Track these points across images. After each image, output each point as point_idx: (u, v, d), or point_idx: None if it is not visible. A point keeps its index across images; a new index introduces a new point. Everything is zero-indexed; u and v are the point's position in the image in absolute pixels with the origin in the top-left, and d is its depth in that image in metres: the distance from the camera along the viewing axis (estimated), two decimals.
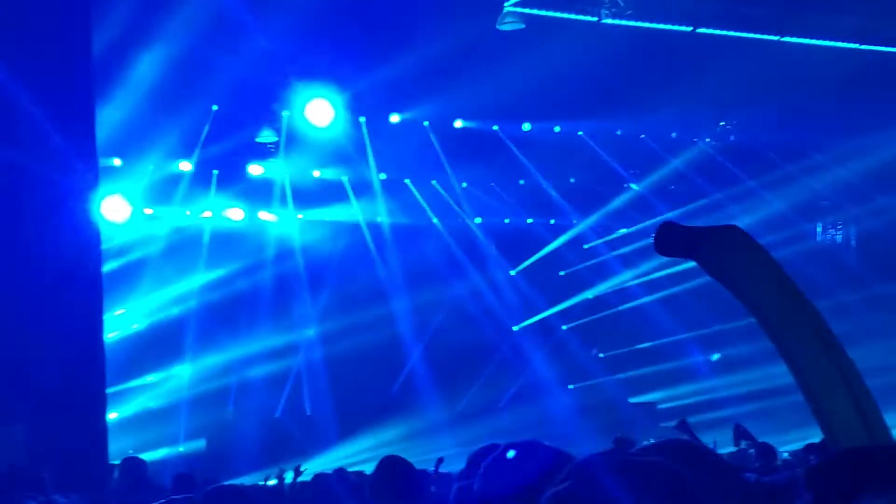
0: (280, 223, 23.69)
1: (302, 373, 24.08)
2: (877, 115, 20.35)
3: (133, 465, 9.38)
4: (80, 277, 8.69)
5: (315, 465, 20.90)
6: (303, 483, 10.44)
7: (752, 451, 12.49)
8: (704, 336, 25.48)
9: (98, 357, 8.70)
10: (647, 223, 25.58)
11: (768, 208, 23.54)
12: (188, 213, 22.41)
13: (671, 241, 4.35)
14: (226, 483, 12.56)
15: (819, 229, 26.53)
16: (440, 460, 13.67)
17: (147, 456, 20.15)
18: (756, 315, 4.42)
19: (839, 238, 26.60)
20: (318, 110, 19.21)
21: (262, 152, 21.27)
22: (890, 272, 23.18)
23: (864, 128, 20.97)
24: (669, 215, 25.00)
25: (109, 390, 14.46)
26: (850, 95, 19.80)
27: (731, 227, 4.37)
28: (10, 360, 8.21)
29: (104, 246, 16.00)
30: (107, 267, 17.03)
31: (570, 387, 26.52)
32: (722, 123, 22.72)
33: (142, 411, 22.27)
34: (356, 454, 22.47)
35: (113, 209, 19.69)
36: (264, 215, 23.32)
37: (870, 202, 24.18)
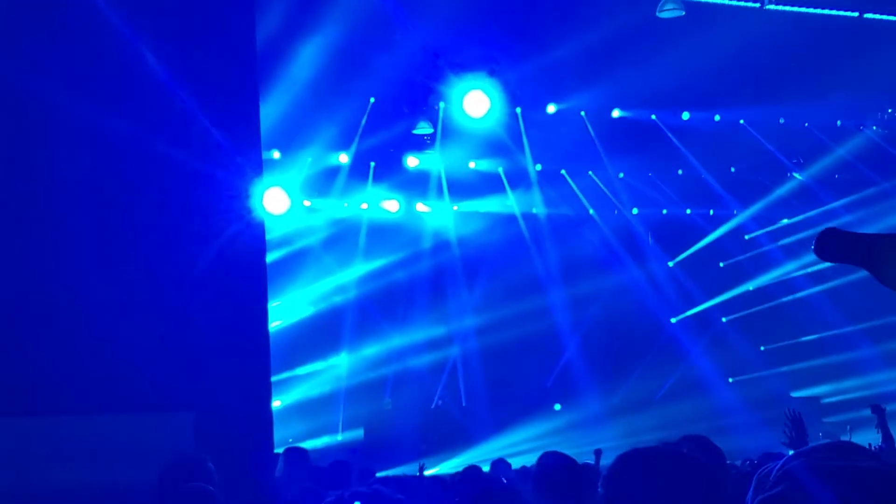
0: (436, 215, 23.81)
1: (458, 364, 24.20)
2: None
3: (296, 454, 9.53)
4: (246, 269, 8.84)
5: (471, 457, 21.04)
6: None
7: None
8: (871, 328, 24.71)
9: (263, 346, 8.84)
10: (811, 213, 24.94)
11: None
12: (346, 204, 22.69)
13: (835, 247, 4.17)
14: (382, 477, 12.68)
15: None
16: (599, 452, 13.53)
17: (307, 445, 20.72)
18: None
19: None
20: (475, 101, 19.20)
21: (419, 144, 21.38)
22: None
23: None
24: (835, 204, 24.36)
25: (273, 379, 14.77)
26: None
27: None
28: (180, 349, 8.40)
29: (267, 237, 16.40)
30: (268, 258, 17.41)
31: (731, 380, 26.06)
32: (889, 110, 21.94)
33: (302, 400, 22.69)
34: (512, 446, 22.49)
35: (273, 201, 20.07)
36: (421, 207, 23.47)
37: None
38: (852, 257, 4.21)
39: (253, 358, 8.71)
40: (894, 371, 24.15)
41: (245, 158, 9.11)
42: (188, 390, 8.39)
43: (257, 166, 9.33)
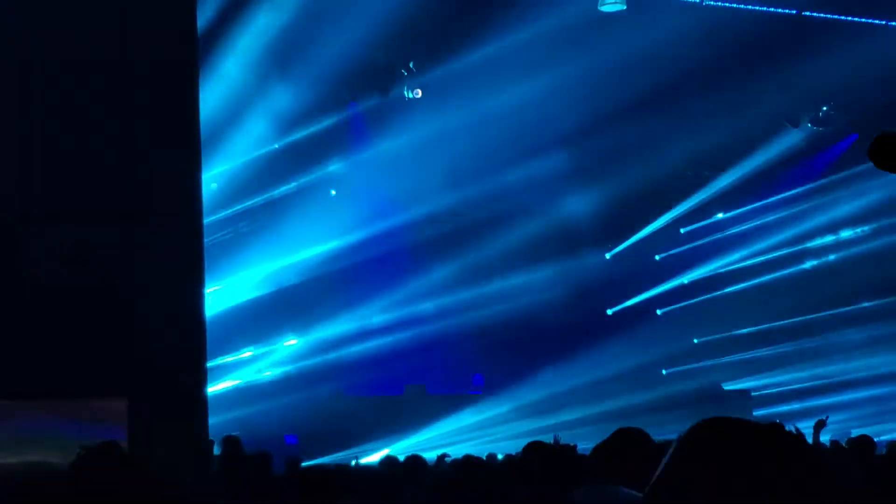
0: (373, 199, 23.70)
1: (395, 354, 24.12)
2: None
3: (231, 443, 9.48)
4: (182, 252, 8.78)
5: (406, 446, 21.08)
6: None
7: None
8: (801, 323, 25.11)
9: (199, 332, 8.77)
10: (747, 208, 25.26)
11: (872, 195, 23.07)
12: (287, 189, 22.49)
13: (890, 155, 4.00)
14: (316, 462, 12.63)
15: None
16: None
17: (251, 433, 20.61)
18: None
19: None
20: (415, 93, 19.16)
21: (359, 132, 21.28)
22: None
23: None
24: (770, 200, 24.70)
25: (210, 363, 14.66)
26: None
27: None
28: (114, 335, 8.32)
29: (208, 218, 16.26)
30: (207, 239, 17.25)
31: (665, 372, 26.32)
32: (825, 108, 22.24)
33: (246, 385, 22.55)
34: (445, 436, 22.57)
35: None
36: (361, 192, 23.34)
37: None
38: None
39: (188, 343, 8.66)
40: (823, 366, 24.59)
41: (187, 145, 9.04)
42: (122, 376, 8.33)
43: (196, 145, 9.25)
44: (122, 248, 8.47)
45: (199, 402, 8.77)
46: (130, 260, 8.42)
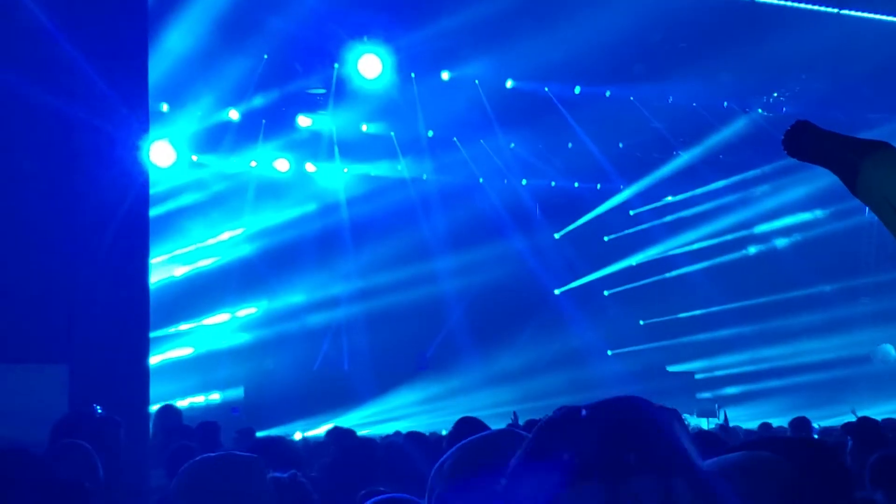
0: (326, 176, 23.68)
1: (341, 327, 24.16)
2: None
3: (169, 413, 9.45)
4: (127, 223, 8.70)
5: (350, 420, 21.08)
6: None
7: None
8: (745, 307, 25.35)
9: (142, 301, 8.72)
10: (695, 191, 25.43)
11: (818, 182, 23.28)
12: (235, 162, 22.41)
13: (805, 145, 3.99)
14: (264, 435, 12.64)
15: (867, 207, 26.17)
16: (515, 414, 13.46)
17: (188, 403, 20.55)
18: None
19: None
20: (369, 65, 19.14)
21: (311, 104, 21.21)
22: None
23: None
24: (718, 185, 24.88)
25: (151, 335, 14.57)
26: None
27: (885, 144, 4.02)
28: (55, 301, 8.25)
29: (150, 191, 16.14)
30: (152, 212, 17.15)
31: (610, 353, 26.51)
32: (775, 94, 22.41)
33: (182, 358, 22.46)
34: (391, 410, 22.62)
35: (159, 154, 19.78)
36: (310, 167, 23.31)
37: None
38: (824, 158, 4.09)
39: (131, 313, 8.61)
40: (765, 350, 24.84)
41: (131, 111, 8.96)
42: (63, 343, 8.27)
43: (144, 119, 9.18)
44: (64, 214, 8.39)
45: (141, 371, 8.73)
46: (72, 226, 8.35)
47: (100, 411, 6.95)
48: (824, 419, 19.07)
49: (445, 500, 1.74)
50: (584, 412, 1.67)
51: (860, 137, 4.08)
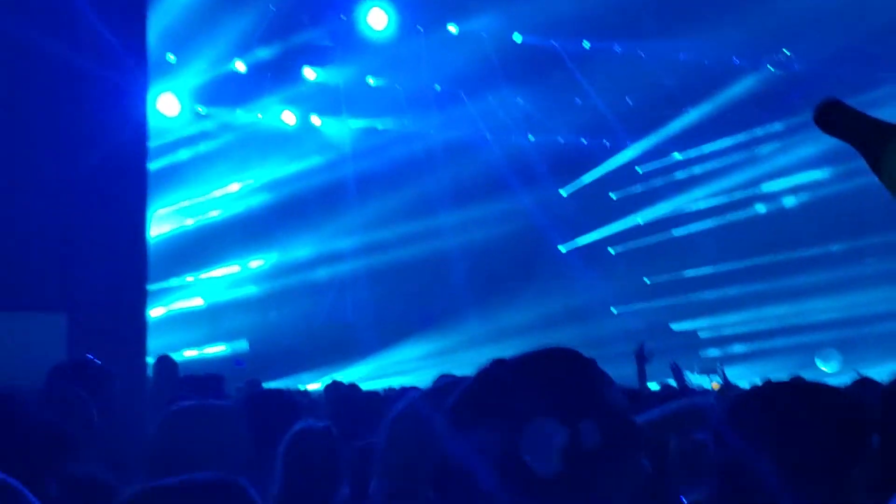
0: (332, 129, 23.60)
1: (346, 281, 24.16)
2: None
3: (166, 364, 9.46)
4: (126, 172, 8.67)
5: (354, 374, 21.15)
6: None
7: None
8: (752, 266, 25.29)
9: (140, 251, 8.70)
10: (704, 149, 25.30)
11: (826, 141, 23.12)
12: (241, 114, 22.35)
13: (837, 121, 3.96)
14: (265, 387, 12.65)
15: None
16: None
17: (192, 354, 20.63)
18: None
19: None
20: (376, 18, 19.03)
21: (318, 56, 21.09)
22: None
23: None
24: (727, 142, 24.76)
25: (154, 286, 14.58)
26: None
27: None
28: (55, 249, 8.23)
29: (155, 142, 16.11)
30: (157, 164, 17.14)
31: (614, 310, 26.51)
32: (785, 52, 22.24)
33: (191, 309, 22.54)
34: (395, 365, 22.68)
35: (164, 105, 19.74)
36: (316, 120, 23.22)
37: None
38: (853, 136, 4.05)
39: (129, 263, 8.59)
40: (770, 309, 24.82)
41: (132, 57, 8.91)
42: (61, 292, 8.26)
43: (143, 66, 9.12)
44: (62, 162, 8.36)
45: (139, 322, 8.72)
46: (70, 174, 8.31)
47: (97, 362, 6.95)
48: (827, 379, 19.11)
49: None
50: (505, 363, 1.77)
51: (887, 121, 4.03)
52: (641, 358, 9.69)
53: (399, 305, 23.98)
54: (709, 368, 22.67)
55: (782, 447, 2.24)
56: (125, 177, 8.64)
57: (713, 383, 16.48)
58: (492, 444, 1.64)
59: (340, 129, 23.65)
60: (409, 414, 2.28)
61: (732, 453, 2.29)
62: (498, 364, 1.78)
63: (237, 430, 3.56)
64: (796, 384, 2.61)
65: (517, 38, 21.05)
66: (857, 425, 2.30)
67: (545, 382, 1.71)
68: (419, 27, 20.36)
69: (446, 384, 2.22)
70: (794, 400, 2.36)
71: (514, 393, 1.69)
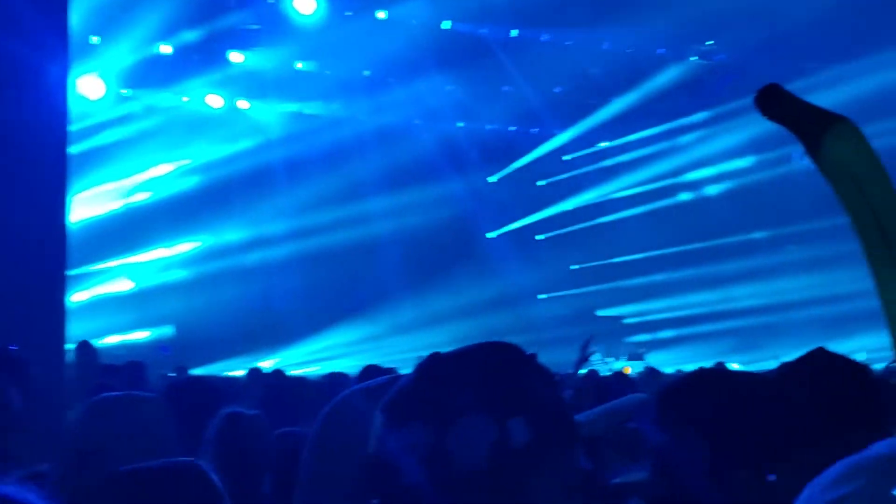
0: (259, 113, 23.47)
1: (274, 266, 24.04)
2: (865, 44, 20.19)
3: (86, 350, 9.36)
4: (44, 155, 8.55)
5: (284, 360, 21.10)
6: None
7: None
8: (677, 253, 25.59)
9: (59, 236, 8.59)
10: (629, 138, 25.52)
11: (749, 130, 23.47)
12: (166, 96, 22.12)
13: (776, 107, 3.98)
14: (192, 374, 12.58)
15: (796, 155, 26.40)
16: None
17: (117, 341, 20.43)
18: (856, 224, 4.03)
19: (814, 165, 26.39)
20: (304, 2, 18.94)
21: (245, 40, 20.92)
22: None
23: (852, 55, 20.84)
24: (652, 131, 24.99)
25: (77, 271, 14.41)
26: (841, 22, 19.59)
27: (845, 118, 4.02)
28: None
29: (79, 125, 15.91)
30: (80, 146, 16.93)
31: (541, 297, 26.69)
32: (710, 42, 22.48)
33: (113, 295, 22.31)
34: (324, 350, 22.65)
35: (87, 87, 19.50)
36: (243, 104, 23.07)
37: None
38: (793, 123, 4.08)
39: (47, 247, 8.48)
40: (694, 295, 25.14)
41: (52, 38, 8.78)
42: None
43: (64, 47, 9.00)
44: None
45: (57, 307, 8.62)
46: None
47: (12, 348, 6.87)
48: (749, 364, 19.41)
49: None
50: (442, 358, 1.75)
51: (823, 108, 4.08)
52: (585, 349, 9.81)
53: (328, 291, 23.93)
54: (635, 355, 22.98)
55: (712, 434, 2.29)
56: (43, 160, 8.52)
57: (625, 367, 16.68)
58: (422, 440, 1.64)
59: (268, 113, 23.54)
60: (344, 408, 2.30)
61: (664, 439, 2.33)
62: (434, 359, 1.76)
63: (162, 420, 3.56)
64: (723, 372, 2.67)
65: (446, 25, 21.06)
66: (782, 412, 2.35)
67: (478, 378, 1.71)
68: (348, 12, 20.27)
69: (389, 379, 2.24)
70: (722, 387, 2.41)
71: (447, 389, 1.69)
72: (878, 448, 1.21)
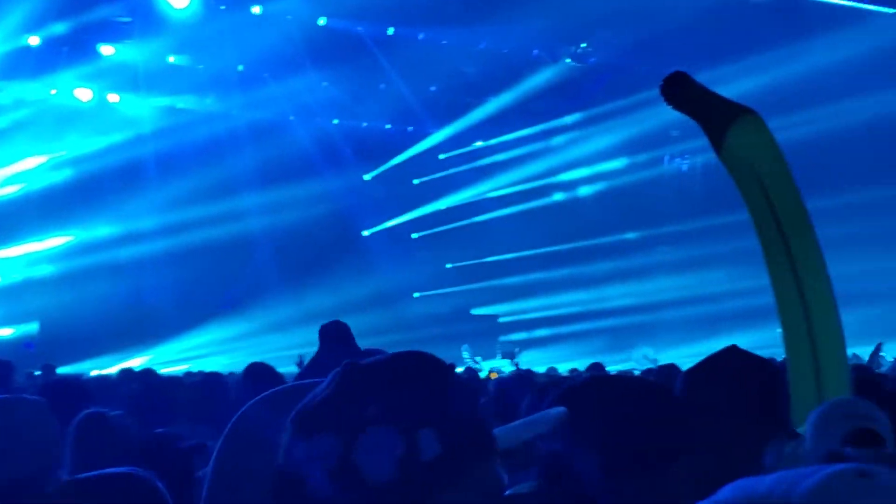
0: (131, 107, 23.05)
1: (145, 262, 23.63)
2: (736, 48, 20.67)
3: None
4: None
5: (157, 357, 20.79)
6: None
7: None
8: (551, 253, 25.89)
9: None
10: (504, 138, 25.74)
11: (622, 132, 23.89)
12: (34, 88, 21.60)
13: (681, 95, 4.00)
14: (61, 374, 12.33)
15: (667, 158, 26.97)
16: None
17: None
18: (753, 212, 4.04)
19: (685, 167, 27.03)
20: None
21: (116, 33, 20.53)
22: (732, 203, 23.74)
23: (723, 60, 21.33)
24: (527, 131, 25.26)
25: None
26: (712, 26, 20.03)
27: (752, 110, 4.04)
28: None
29: None
30: None
31: (416, 295, 26.76)
32: (583, 45, 22.79)
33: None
34: (197, 348, 22.38)
35: None
36: (113, 98, 22.64)
37: None
38: (698, 112, 4.11)
39: None
40: (568, 295, 25.49)
41: None
42: None
43: None
44: None
45: None
46: None
47: None
48: (621, 363, 19.77)
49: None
50: (355, 368, 1.72)
51: (730, 100, 4.15)
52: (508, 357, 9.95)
53: (201, 288, 23.65)
54: (509, 353, 23.18)
55: (604, 441, 2.29)
56: None
57: (490, 373, 16.77)
58: (330, 452, 1.60)
59: (140, 107, 23.13)
60: (253, 417, 2.25)
61: (554, 447, 2.32)
62: (348, 368, 1.71)
63: (47, 424, 3.49)
64: (615, 378, 2.68)
65: (322, 21, 20.97)
66: (673, 418, 2.35)
67: (389, 389, 1.67)
68: (222, 6, 20.04)
69: (297, 386, 2.19)
70: (613, 393, 2.40)
71: (357, 400, 1.65)
72: (723, 493, 1.21)
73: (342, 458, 1.60)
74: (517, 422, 1.89)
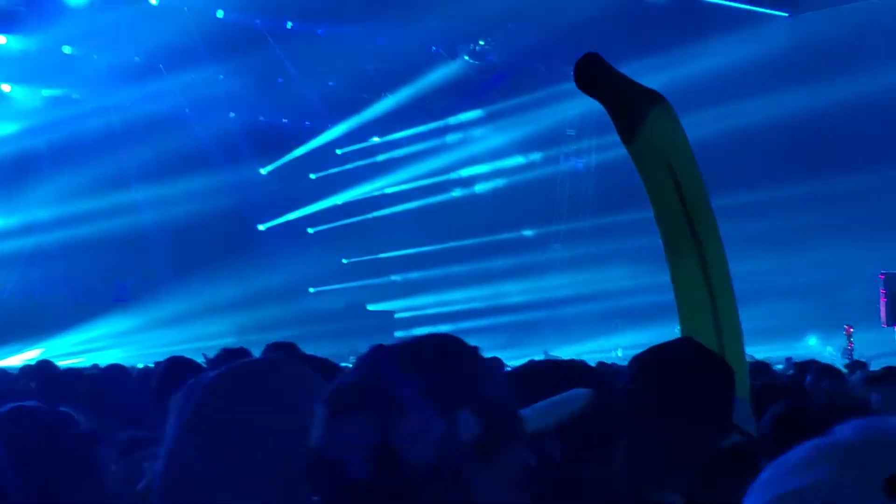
0: (22, 97, 22.60)
1: (36, 254, 23.18)
2: (633, 48, 21.02)
3: None
4: None
5: (50, 350, 20.40)
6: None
7: None
8: (449, 249, 26.01)
9: None
10: (402, 133, 25.82)
11: (519, 130, 24.15)
12: None
13: (591, 78, 3.93)
14: None
15: (563, 156, 27.27)
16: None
17: None
18: (658, 203, 3.99)
19: (581, 166, 27.38)
20: None
21: (9, 22, 20.12)
22: (624, 202, 24.22)
23: (621, 59, 21.66)
24: (424, 128, 25.38)
25: None
26: (610, 26, 20.33)
27: (660, 97, 3.98)
28: None
29: None
30: None
31: (312, 290, 26.70)
32: (481, 43, 22.98)
33: None
34: (91, 341, 22.06)
35: None
36: (5, 87, 22.17)
37: (613, 134, 25.02)
38: (612, 98, 4.04)
39: None
40: (465, 291, 25.67)
41: None
42: None
43: None
44: None
45: None
46: None
47: None
48: (517, 359, 19.98)
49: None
50: (385, 350, 1.73)
51: (645, 86, 4.08)
52: None
53: (95, 280, 23.30)
54: None
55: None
56: None
57: None
58: (368, 434, 1.59)
59: (32, 97, 22.69)
60: (223, 391, 2.18)
61: None
62: (377, 351, 1.70)
63: None
64: (556, 363, 2.67)
65: (220, 14, 20.82)
66: (612, 408, 2.37)
67: (424, 370, 1.66)
68: None
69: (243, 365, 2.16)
70: (553, 380, 2.30)
71: (391, 382, 1.64)
72: (843, 432, 1.20)
73: (381, 439, 1.61)
74: (542, 403, 1.87)
